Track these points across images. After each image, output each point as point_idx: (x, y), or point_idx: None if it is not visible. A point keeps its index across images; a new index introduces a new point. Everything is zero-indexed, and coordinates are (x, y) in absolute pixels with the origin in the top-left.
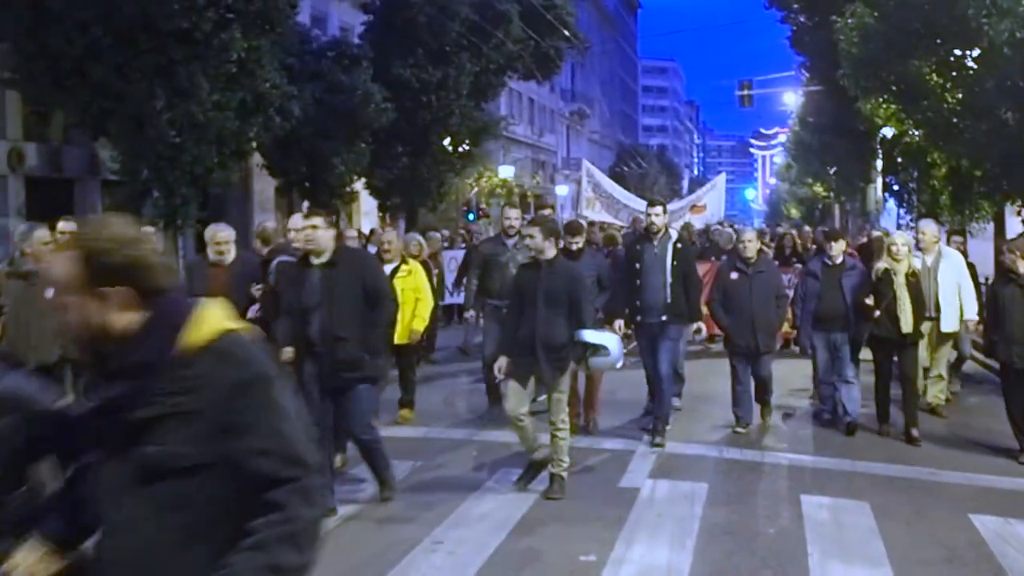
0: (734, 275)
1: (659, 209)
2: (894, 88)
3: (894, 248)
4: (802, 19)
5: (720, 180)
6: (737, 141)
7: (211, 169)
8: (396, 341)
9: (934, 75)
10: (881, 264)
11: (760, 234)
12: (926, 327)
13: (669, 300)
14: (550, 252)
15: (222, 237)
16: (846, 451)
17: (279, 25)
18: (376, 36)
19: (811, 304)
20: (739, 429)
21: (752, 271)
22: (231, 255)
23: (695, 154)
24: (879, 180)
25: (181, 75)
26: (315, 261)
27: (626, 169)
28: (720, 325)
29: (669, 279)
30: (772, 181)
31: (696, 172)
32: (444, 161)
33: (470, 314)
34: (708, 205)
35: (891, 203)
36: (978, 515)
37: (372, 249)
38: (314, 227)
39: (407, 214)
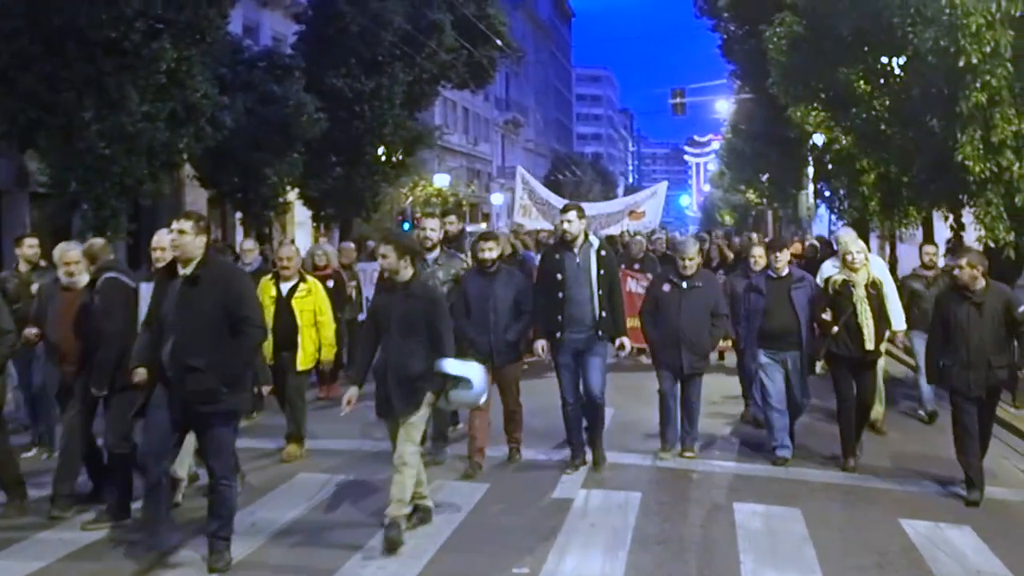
0: (666, 287)
1: (572, 215)
2: (823, 96)
3: (850, 257)
4: (732, 28)
5: (661, 188)
6: (671, 148)
7: (142, 181)
8: (299, 367)
9: (862, 83)
10: (837, 274)
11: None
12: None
13: (598, 315)
14: (405, 273)
15: (71, 257)
16: None
17: (209, 35)
18: (308, 46)
19: (756, 321)
20: (662, 455)
21: (687, 284)
22: (84, 277)
23: (630, 162)
24: (811, 187)
25: (111, 86)
26: (181, 271)
27: (561, 177)
28: (647, 338)
29: (596, 290)
30: (706, 188)
31: (631, 180)
32: (378, 171)
33: None
34: (647, 212)
35: (823, 209)
36: (909, 520)
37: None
38: (181, 232)
39: (341, 224)
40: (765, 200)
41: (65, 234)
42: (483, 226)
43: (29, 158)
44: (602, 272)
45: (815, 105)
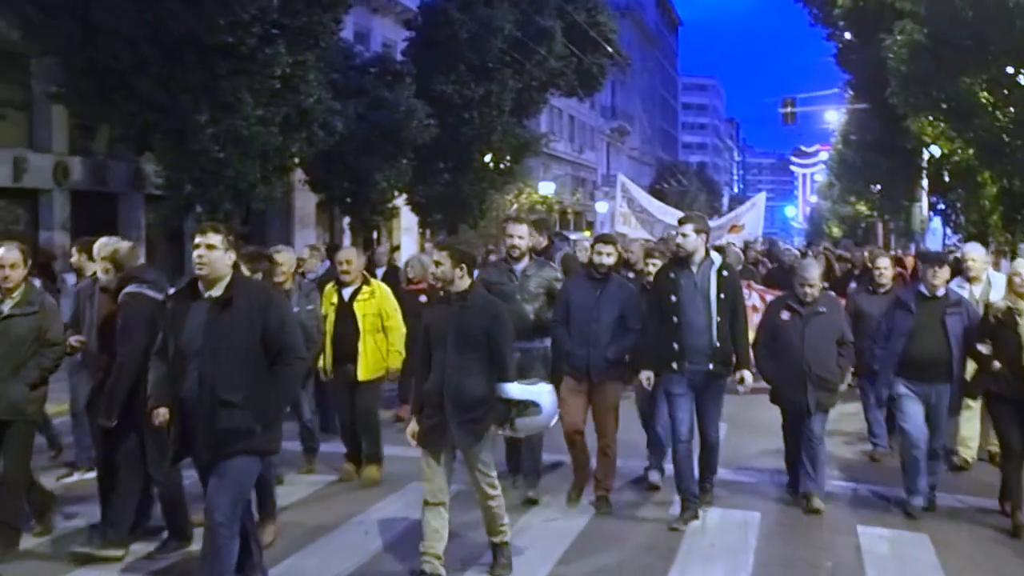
0: (785, 315)
1: (690, 228)
2: (944, 106)
3: (1018, 280)
4: (848, 36)
5: (760, 199)
6: (777, 159)
7: (254, 184)
8: (361, 376)
9: (985, 93)
10: (1001, 301)
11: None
12: None
13: (717, 343)
14: (461, 283)
15: (109, 252)
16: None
17: (323, 40)
18: (418, 52)
19: (898, 344)
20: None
21: (808, 311)
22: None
23: (735, 171)
24: (924, 199)
25: (226, 90)
26: (206, 293)
27: (666, 186)
28: (764, 375)
29: (716, 316)
30: (813, 199)
31: (736, 189)
32: (485, 177)
33: None
34: (747, 224)
35: (936, 222)
36: None
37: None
38: (210, 247)
39: (448, 230)
40: (875, 212)
41: (179, 236)
42: (586, 235)
43: (145, 160)
44: (723, 295)
45: (935, 115)
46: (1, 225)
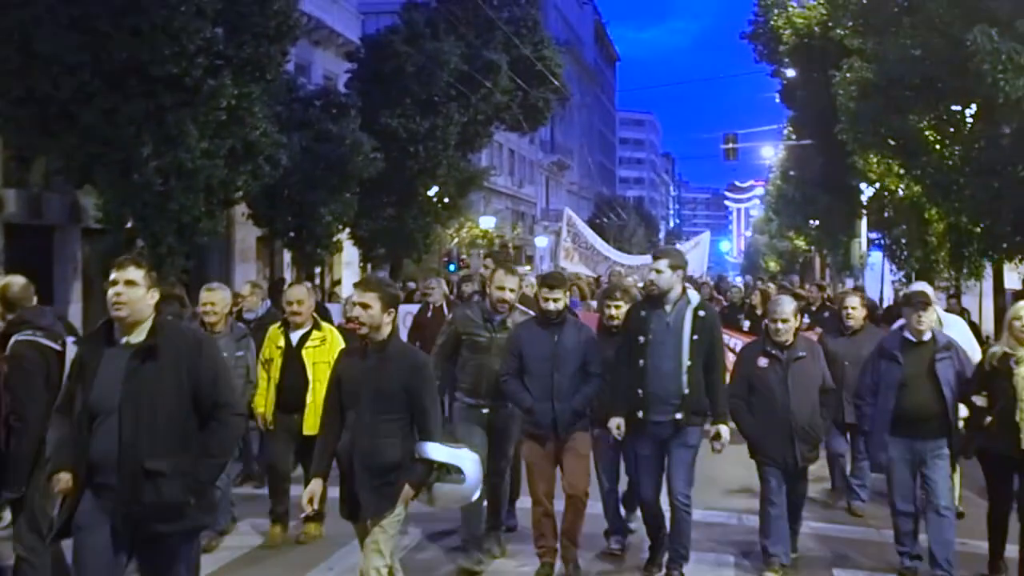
0: (763, 361)
1: (664, 263)
2: (892, 143)
3: (1019, 324)
4: (790, 73)
5: (704, 238)
6: (711, 194)
7: (199, 218)
8: (306, 431)
9: (932, 131)
10: (997, 347)
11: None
12: None
13: (686, 390)
14: (384, 330)
15: None
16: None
17: (270, 72)
18: (363, 85)
19: (888, 399)
20: (769, 574)
21: (787, 355)
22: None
23: (671, 206)
24: (864, 235)
25: (170, 122)
26: (123, 339)
27: (605, 220)
28: (743, 429)
29: (686, 360)
30: (748, 234)
31: (672, 224)
32: (430, 211)
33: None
34: (691, 262)
35: (874, 257)
36: None
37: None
38: (129, 283)
39: (391, 264)
40: (813, 247)
41: None
42: (527, 269)
43: (84, 193)
44: (696, 337)
45: (884, 153)
46: None
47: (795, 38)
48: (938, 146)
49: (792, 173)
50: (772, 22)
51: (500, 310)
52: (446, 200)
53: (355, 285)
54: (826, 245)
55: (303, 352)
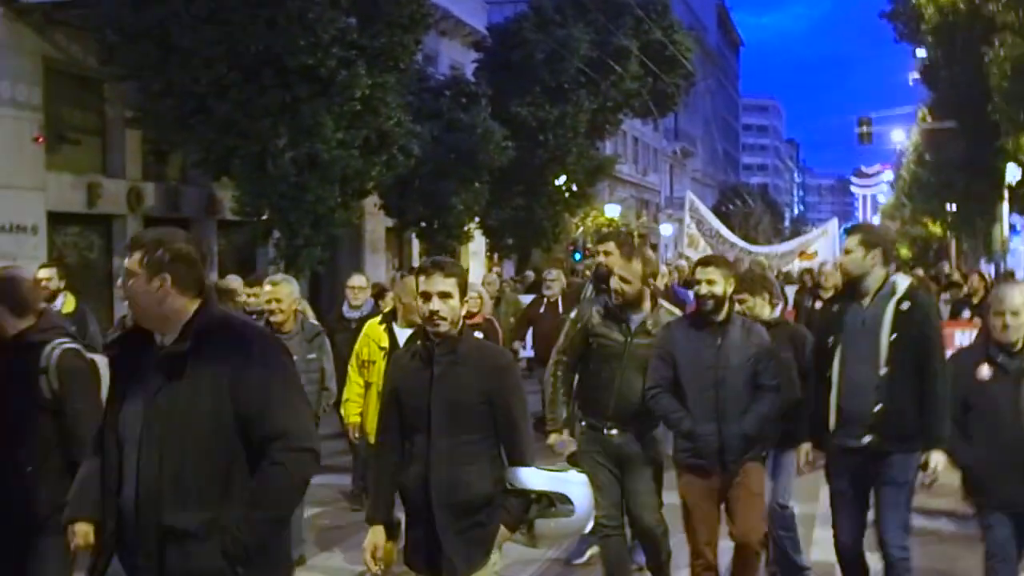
0: (985, 371)
1: (855, 240)
2: None
3: None
4: (921, 54)
5: (832, 226)
6: (836, 180)
7: (333, 209)
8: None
9: None
10: None
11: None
12: None
13: (879, 406)
14: (453, 326)
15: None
16: None
17: (403, 61)
18: (491, 74)
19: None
20: None
21: (1017, 365)
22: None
23: (795, 192)
24: (1005, 219)
25: (305, 113)
26: (159, 340)
27: (731, 208)
28: (958, 460)
29: (883, 367)
30: (875, 220)
31: (796, 211)
32: (559, 200)
33: (559, 442)
34: (820, 252)
35: (1015, 242)
36: None
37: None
38: (128, 273)
39: (519, 254)
40: (949, 232)
41: (251, 263)
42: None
43: (219, 186)
44: (895, 336)
45: None
46: (75, 252)
47: (938, 15)
48: None
49: (928, 157)
50: (913, 0)
51: (629, 306)
52: (574, 189)
53: (420, 270)
54: (963, 231)
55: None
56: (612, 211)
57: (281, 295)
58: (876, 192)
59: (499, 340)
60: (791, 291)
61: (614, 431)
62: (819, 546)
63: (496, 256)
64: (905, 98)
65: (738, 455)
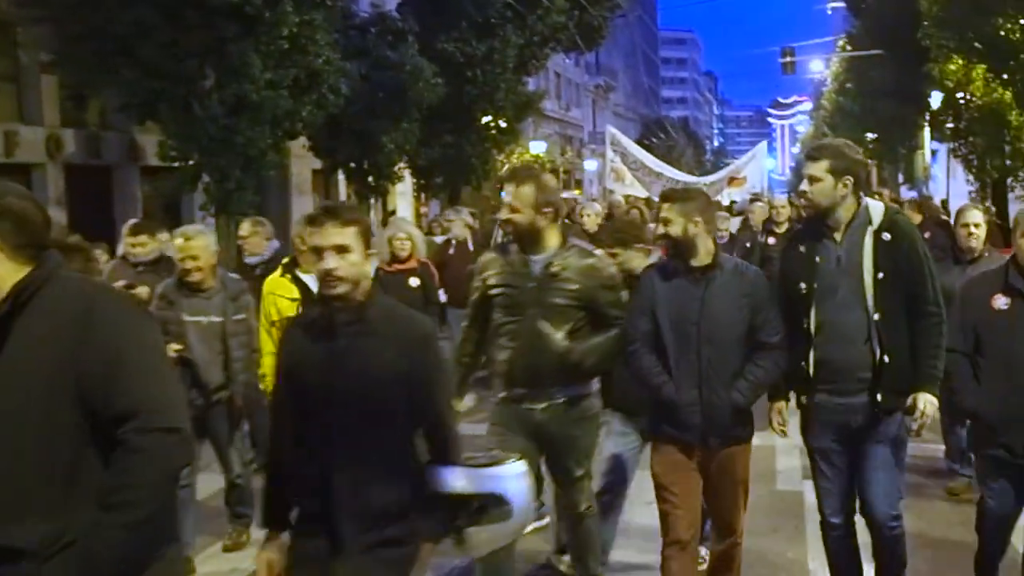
0: (1001, 302)
1: (821, 166)
2: (978, 47)
3: None
4: None
5: (760, 149)
6: (754, 111)
7: (264, 151)
8: None
9: (1018, 33)
10: None
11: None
12: None
13: (882, 358)
14: (364, 285)
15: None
16: None
17: None
18: (415, 10)
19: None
20: None
21: None
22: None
23: (715, 125)
24: (927, 146)
25: (232, 53)
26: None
27: (654, 141)
28: (964, 403)
29: (872, 312)
30: (794, 150)
31: (716, 143)
32: (488, 138)
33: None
34: (748, 176)
35: (936, 169)
36: None
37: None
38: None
39: (449, 194)
40: (872, 160)
41: (176, 210)
42: (577, 193)
43: (141, 131)
44: (881, 275)
45: (968, 58)
46: None
47: None
48: None
49: (849, 85)
50: None
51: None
52: (502, 125)
53: (310, 219)
54: (886, 158)
55: None
56: (537, 147)
57: (197, 250)
58: (794, 123)
59: (435, 284)
60: (735, 225)
61: (534, 405)
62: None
63: (424, 196)
64: (820, 29)
65: (723, 432)
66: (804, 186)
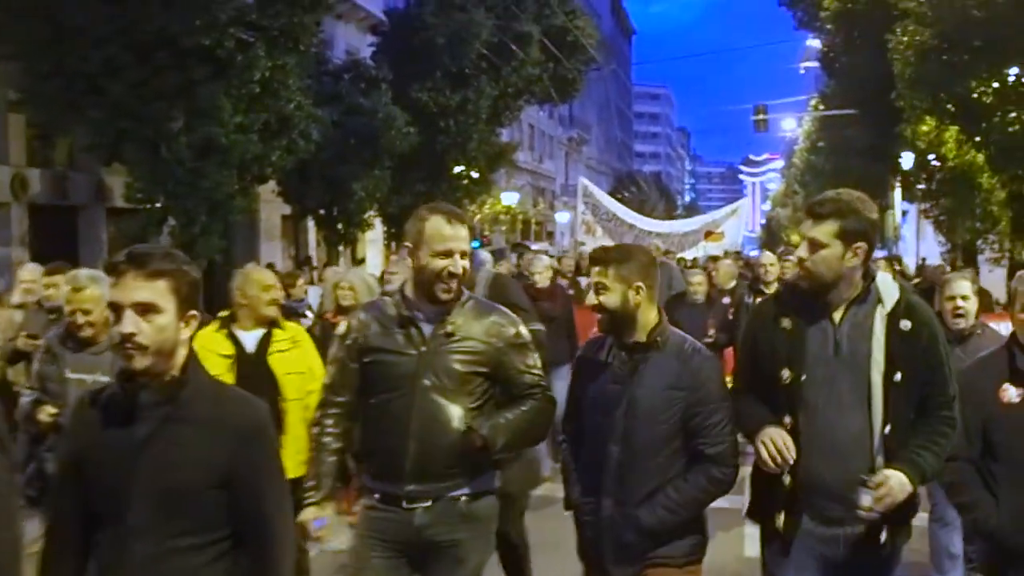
0: (1013, 393)
1: (826, 229)
2: (951, 109)
3: None
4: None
5: (744, 205)
6: (726, 168)
7: (232, 195)
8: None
9: (994, 96)
10: None
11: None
12: None
13: (882, 463)
14: (179, 355)
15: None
16: None
17: (303, 43)
18: (390, 59)
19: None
20: None
21: None
22: None
23: (686, 180)
24: (898, 206)
25: (202, 95)
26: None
27: (626, 195)
28: (970, 511)
29: (877, 420)
30: (765, 207)
31: (688, 198)
32: (459, 187)
33: (316, 519)
34: (727, 232)
35: (905, 229)
36: None
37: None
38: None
39: None
40: None
41: None
42: (548, 245)
43: (108, 172)
44: (899, 376)
45: (942, 119)
46: None
47: (837, 3)
48: (1000, 111)
49: (821, 144)
50: None
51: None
52: (474, 176)
53: (112, 266)
54: None
55: (268, 359)
56: (510, 199)
57: (88, 302)
58: (764, 180)
59: None
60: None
61: (416, 504)
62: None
63: (395, 244)
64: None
65: (625, 561)
66: (802, 252)
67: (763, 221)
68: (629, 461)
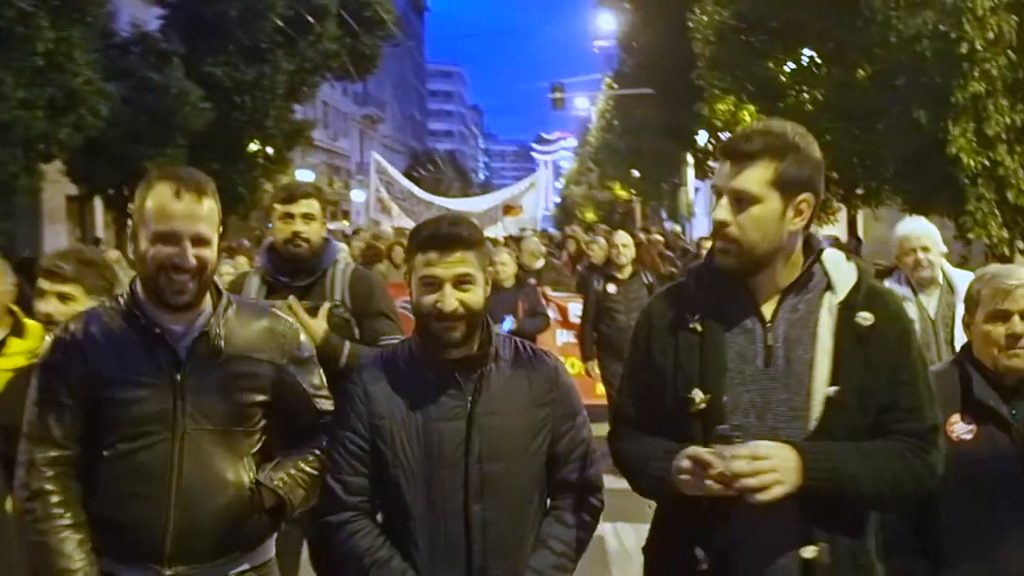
0: (962, 429)
1: (761, 171)
2: (750, 88)
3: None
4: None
5: (541, 177)
6: (519, 146)
7: (16, 175)
8: None
9: (789, 76)
10: None
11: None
12: None
13: (825, 534)
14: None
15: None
16: None
17: (90, 14)
18: (181, 32)
19: None
20: None
21: None
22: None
23: (480, 159)
24: (691, 183)
25: None
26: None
27: (422, 173)
28: None
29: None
30: (558, 185)
31: (482, 177)
32: (256, 166)
33: None
34: (525, 206)
35: (697, 207)
36: None
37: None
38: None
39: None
40: (636, 197)
41: None
42: (345, 224)
43: None
44: (851, 385)
45: (740, 99)
46: None
47: None
48: (795, 90)
49: (616, 123)
50: None
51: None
52: (270, 153)
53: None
54: (650, 194)
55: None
56: (305, 177)
57: None
58: (557, 158)
59: None
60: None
61: None
62: None
63: None
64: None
65: None
66: (721, 212)
67: (557, 199)
68: (493, 518)
